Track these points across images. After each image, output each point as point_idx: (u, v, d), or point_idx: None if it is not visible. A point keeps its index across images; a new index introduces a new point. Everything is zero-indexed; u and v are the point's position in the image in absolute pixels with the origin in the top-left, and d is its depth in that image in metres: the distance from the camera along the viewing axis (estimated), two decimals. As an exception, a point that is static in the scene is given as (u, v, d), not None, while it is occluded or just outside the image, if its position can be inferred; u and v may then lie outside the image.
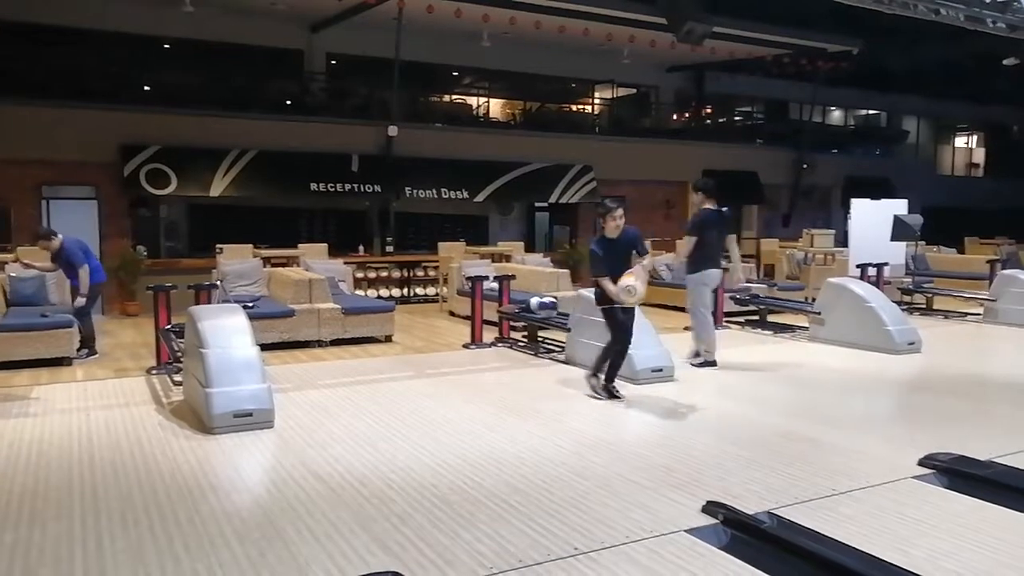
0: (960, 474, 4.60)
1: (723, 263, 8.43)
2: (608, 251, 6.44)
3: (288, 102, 16.35)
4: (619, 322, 6.48)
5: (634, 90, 21.97)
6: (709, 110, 23.41)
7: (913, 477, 4.59)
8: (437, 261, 13.98)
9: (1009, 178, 28.47)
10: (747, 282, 12.27)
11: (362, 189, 15.21)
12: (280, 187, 14.66)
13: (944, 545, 3.70)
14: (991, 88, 24.81)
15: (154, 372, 7.68)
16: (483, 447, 5.25)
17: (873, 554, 3.55)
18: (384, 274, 14.21)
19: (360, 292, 12.68)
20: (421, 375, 7.80)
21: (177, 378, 6.96)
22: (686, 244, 7.99)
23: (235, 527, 3.92)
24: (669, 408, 6.51)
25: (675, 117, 22.60)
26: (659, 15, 13.27)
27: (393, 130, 15.21)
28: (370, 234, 15.94)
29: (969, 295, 11.94)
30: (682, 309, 11.21)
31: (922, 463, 4.75)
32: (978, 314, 11.22)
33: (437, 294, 13.80)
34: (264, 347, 6.74)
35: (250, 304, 8.50)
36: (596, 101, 21.40)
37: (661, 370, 7.23)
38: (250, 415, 5.59)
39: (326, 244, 13.60)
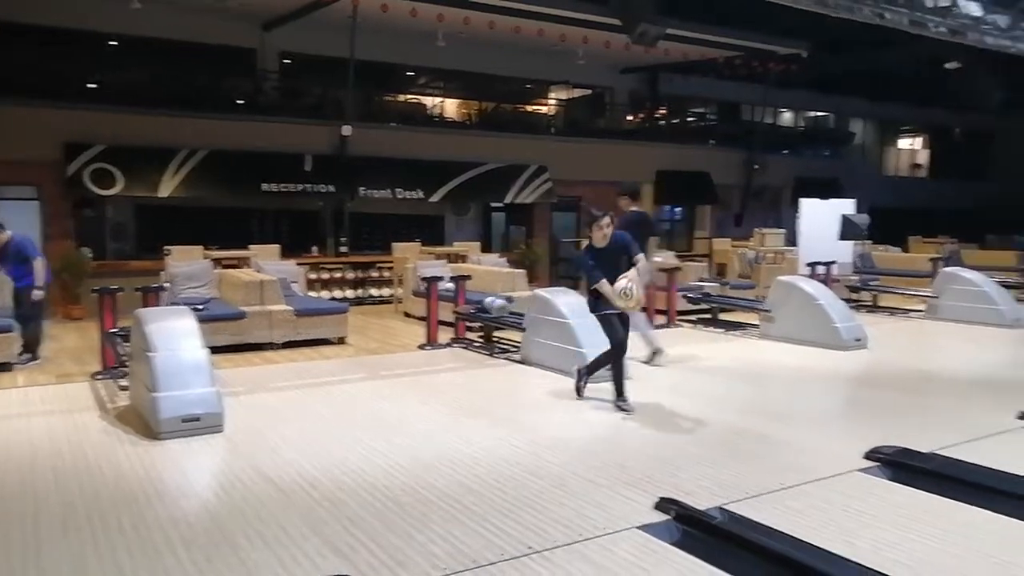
0: (903, 466, 4.71)
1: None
2: (599, 259, 6.25)
3: (240, 101, 16.09)
4: (615, 329, 6.27)
5: (589, 91, 22.11)
6: (663, 111, 23.66)
7: (859, 470, 4.69)
8: (392, 262, 13.89)
9: (951, 179, 29.33)
10: (699, 281, 12.46)
11: (316, 189, 15.04)
12: (231, 187, 14.41)
13: (889, 536, 3.78)
14: (934, 91, 25.52)
15: (99, 377, 7.48)
16: (437, 448, 5.23)
17: (821, 546, 3.61)
18: (338, 275, 14.07)
19: (313, 293, 12.54)
20: (375, 377, 7.73)
21: (123, 383, 6.79)
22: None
23: (182, 533, 3.83)
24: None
25: (629, 118, 22.79)
26: (613, 16, 13.38)
27: (347, 130, 15.08)
28: (324, 235, 15.77)
29: (913, 292, 12.24)
30: (641, 309, 11.33)
31: (867, 456, 4.85)
32: (921, 311, 11.52)
33: (392, 295, 13.71)
34: (214, 350, 6.61)
35: (199, 306, 8.32)
36: (551, 102, 21.49)
37: (615, 369, 7.26)
38: (198, 419, 5.48)
39: (278, 245, 13.41)
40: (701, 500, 4.14)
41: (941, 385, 7.40)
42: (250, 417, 5.99)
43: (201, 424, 5.48)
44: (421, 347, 9.26)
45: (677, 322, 10.83)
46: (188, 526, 3.94)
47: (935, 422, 5.80)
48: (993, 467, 4.70)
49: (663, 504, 4.06)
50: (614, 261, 6.24)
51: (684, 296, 11.13)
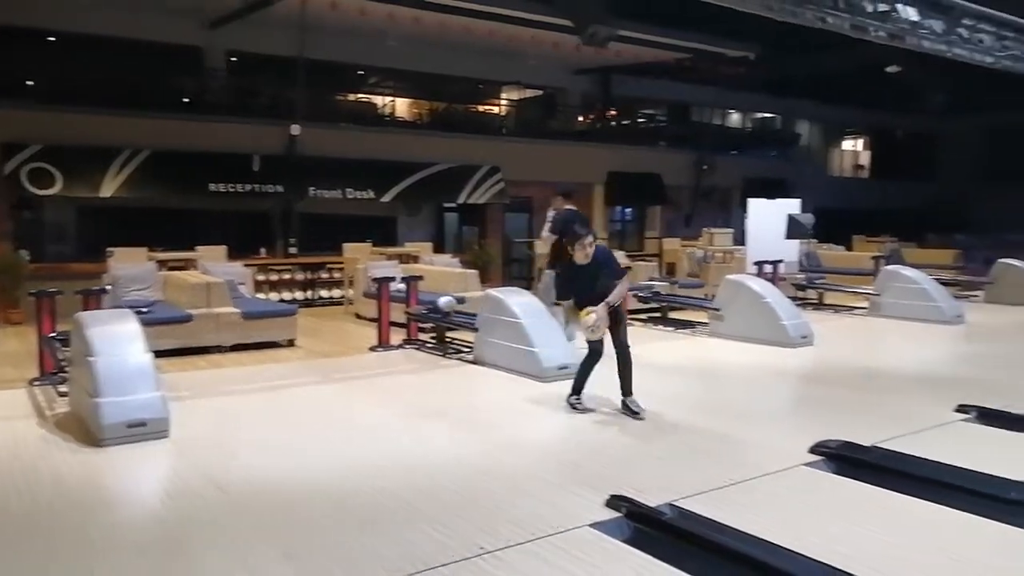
0: (847, 459, 4.83)
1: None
2: (578, 276, 5.93)
3: (186, 100, 15.77)
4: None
5: (541, 92, 22.20)
6: (614, 113, 23.87)
7: (804, 464, 4.79)
8: (342, 263, 13.75)
9: (892, 179, 30.17)
10: (650, 280, 12.60)
11: (264, 190, 14.83)
12: (177, 188, 14.12)
13: (835, 528, 3.87)
14: (876, 94, 26.21)
15: (37, 383, 7.24)
16: (390, 450, 5.19)
17: (769, 540, 3.68)
18: (287, 277, 13.87)
19: (262, 296, 12.35)
20: (326, 379, 7.64)
21: (63, 389, 6.59)
22: (547, 241, 8.62)
23: (126, 542, 3.74)
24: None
25: (581, 119, 22.94)
26: (564, 18, 13.45)
27: (296, 129, 14.90)
28: (273, 236, 15.54)
29: (857, 290, 12.54)
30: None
31: (813, 450, 4.96)
32: (865, 308, 11.81)
33: (342, 297, 13.57)
34: (160, 354, 6.46)
35: (143, 309, 8.14)
36: (503, 102, 21.52)
37: (567, 367, 7.28)
38: (143, 425, 5.34)
39: (225, 247, 13.17)
40: (652, 497, 4.18)
41: (883, 380, 7.59)
42: (197, 422, 5.86)
43: (147, 430, 5.35)
44: (372, 349, 9.18)
45: (629, 321, 10.90)
46: (133, 535, 3.85)
47: (877, 416, 5.94)
48: (932, 459, 4.85)
49: (614, 501, 4.09)
50: (593, 278, 5.91)
51: (634, 295, 11.22)
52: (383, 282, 9.52)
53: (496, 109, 21.59)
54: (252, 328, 9.40)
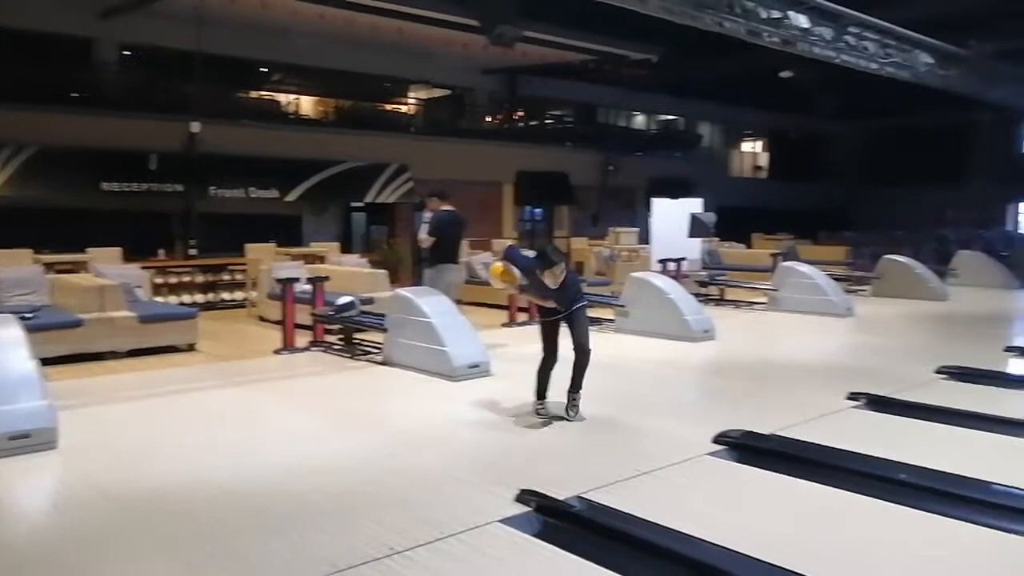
0: (749, 448, 5.00)
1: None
2: (538, 285, 5.76)
3: (75, 94, 14.99)
4: (547, 338, 5.94)
5: (449, 91, 22.16)
6: (522, 113, 24.05)
7: (708, 454, 4.93)
8: (245, 264, 13.34)
9: (788, 180, 31.50)
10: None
11: (162, 189, 14.26)
12: (66, 186, 13.43)
13: (739, 514, 4.00)
14: (772, 98, 27.28)
15: (-90, 394, 6.73)
16: (296, 453, 5.06)
17: (676, 528, 3.76)
18: (187, 279, 13.33)
19: (160, 299, 11.85)
20: (229, 384, 7.38)
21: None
22: (426, 243, 8.56)
23: (6, 563, 3.51)
24: (487, 403, 6.58)
25: (489, 119, 23.02)
26: (471, 17, 13.45)
27: (196, 126, 14.38)
28: (171, 237, 14.95)
29: (756, 286, 13.01)
30: (499, 306, 11.46)
31: (716, 440, 5.11)
32: (763, 303, 12.27)
33: (245, 299, 13.16)
34: (49, 361, 6.13)
35: (28, 315, 7.68)
36: (412, 101, 21.36)
37: (478, 366, 7.30)
38: (28, 436, 5.02)
39: (120, 248, 12.57)
40: (561, 491, 4.22)
41: (781, 371, 7.90)
42: (89, 431, 5.57)
43: (32, 441, 5.03)
44: (277, 352, 8.94)
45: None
46: (14, 556, 3.61)
47: (776, 405, 6.18)
48: (827, 444, 5.08)
49: (523, 496, 4.10)
50: (548, 296, 5.78)
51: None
52: (288, 283, 9.28)
53: (404, 108, 21.42)
54: (150, 332, 9.01)
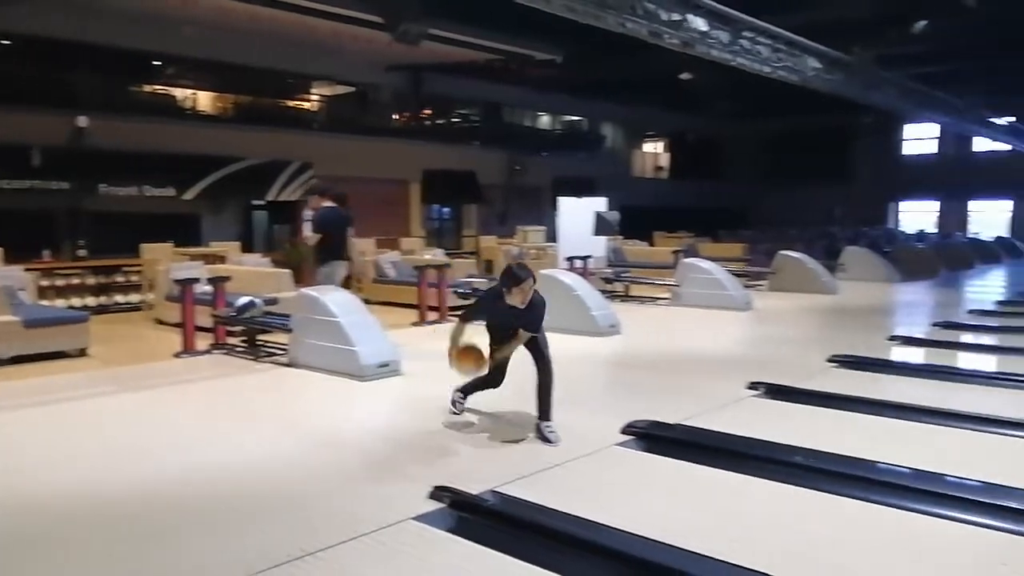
0: (655, 438, 5.14)
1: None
2: (501, 312, 5.26)
3: (-55, 85, 14.03)
4: (500, 364, 5.53)
5: (353, 88, 21.83)
6: (428, 111, 23.93)
7: (617, 444, 5.04)
8: (140, 265, 12.78)
9: (688, 180, 32.51)
10: (469, 277, 12.75)
11: (47, 186, 13.48)
12: (-62, 184, 12.53)
13: (647, 501, 4.10)
14: (673, 99, 28.11)
15: None
16: (199, 457, 4.87)
17: (588, 517, 3.83)
18: (76, 281, 12.66)
19: (46, 302, 11.23)
20: (124, 388, 7.05)
21: None
22: (312, 240, 8.63)
23: None
24: (398, 401, 6.55)
25: (395, 116, 22.81)
26: (376, 14, 13.30)
27: (83, 120, 13.67)
28: (58, 237, 14.17)
29: (659, 282, 13.36)
30: (410, 305, 11.38)
31: (624, 431, 5.22)
32: (667, 298, 12.61)
33: (142, 301, 12.61)
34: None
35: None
36: (314, 97, 20.94)
37: (388, 365, 7.22)
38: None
39: (0, 249, 11.83)
40: (474, 486, 4.22)
41: (684, 363, 8.14)
42: (-32, 443, 5.22)
43: (-97, 455, 4.68)
44: (177, 355, 8.59)
45: (449, 317, 10.99)
46: None
47: (680, 396, 6.36)
48: (729, 432, 5.27)
49: (437, 493, 4.08)
50: (516, 320, 5.28)
51: (454, 292, 11.32)
52: (187, 284, 8.95)
53: (307, 104, 20.97)
54: (35, 337, 8.52)
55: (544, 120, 28.78)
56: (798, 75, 13.40)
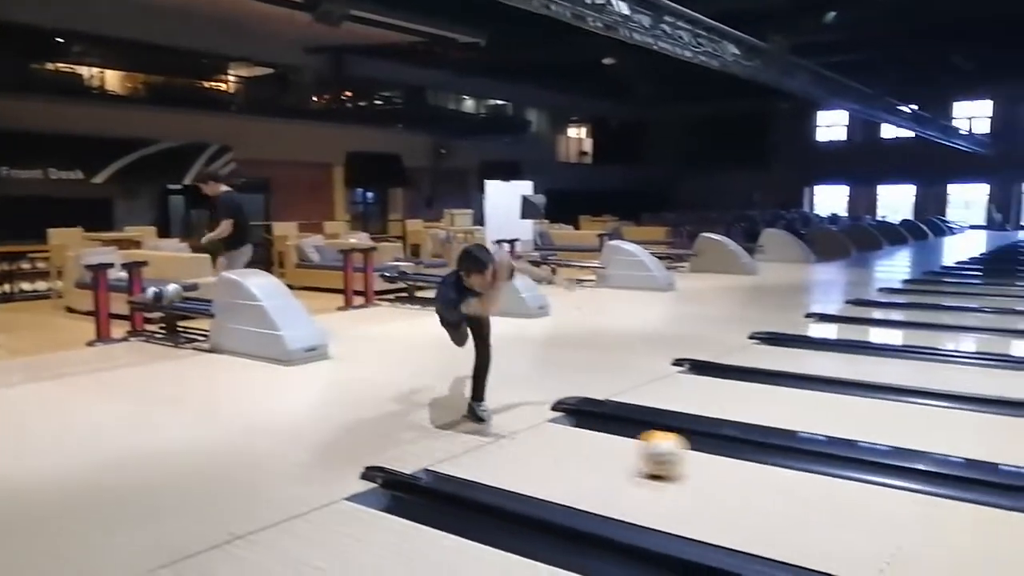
0: (585, 413, 5.21)
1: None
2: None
3: None
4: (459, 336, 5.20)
5: (272, 69, 21.27)
6: (350, 93, 23.51)
7: (548, 421, 5.09)
8: (47, 251, 12.20)
9: (612, 164, 32.92)
10: (395, 261, 12.65)
11: (-58, 169, 12.72)
12: None
13: (578, 475, 4.16)
14: (596, 85, 28.37)
15: None
16: (125, 445, 4.70)
17: (521, 492, 3.86)
18: (-23, 269, 12.03)
19: (-54, 291, 10.62)
20: (36, 378, 6.72)
21: None
22: (226, 226, 8.58)
23: None
24: (326, 385, 6.46)
25: (316, 99, 22.33)
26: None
27: (-20, 99, 12.94)
28: (-47, 222, 13.41)
29: (585, 265, 13.52)
30: (336, 290, 11.20)
31: (555, 408, 5.28)
32: (593, 280, 12.78)
33: (50, 289, 12.05)
34: None
35: None
36: (232, 78, 20.31)
37: (315, 349, 7.11)
38: None
39: None
40: (408, 465, 4.20)
41: (612, 342, 8.27)
42: None
43: None
44: (91, 344, 8.25)
45: (375, 301, 10.88)
46: None
47: (608, 373, 6.46)
48: (656, 406, 5.38)
49: (369, 473, 4.05)
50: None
51: (381, 276, 11.20)
52: (100, 270, 8.59)
53: (224, 85, 20.33)
54: (-67, 327, 8.05)
55: (469, 103, 28.65)
56: (718, 60, 13.67)
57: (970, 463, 4.29)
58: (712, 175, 33.85)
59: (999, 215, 32.84)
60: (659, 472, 4.05)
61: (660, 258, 13.34)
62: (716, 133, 34.32)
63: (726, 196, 30.75)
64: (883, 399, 5.69)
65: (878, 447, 4.54)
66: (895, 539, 3.42)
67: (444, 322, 5.16)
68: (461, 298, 4.83)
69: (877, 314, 10.22)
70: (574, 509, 3.67)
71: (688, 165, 35.11)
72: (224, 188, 8.79)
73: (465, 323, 5.07)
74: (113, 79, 17.97)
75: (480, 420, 5.02)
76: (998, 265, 17.63)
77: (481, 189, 17.03)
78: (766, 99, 24.27)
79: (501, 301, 4.94)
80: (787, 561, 3.16)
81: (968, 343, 8.55)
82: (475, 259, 4.81)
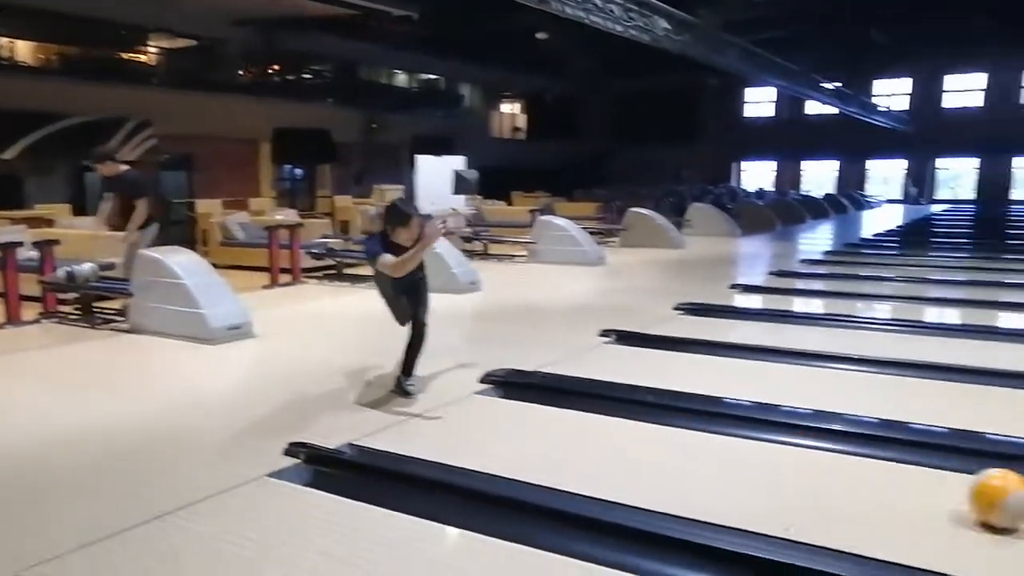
0: (514, 384, 5.23)
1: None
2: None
3: None
4: (405, 308, 5.12)
5: (196, 41, 20.53)
6: (278, 67, 22.91)
7: (476, 393, 5.10)
8: (-47, 230, 11.59)
9: (544, 140, 32.95)
10: (323, 238, 12.41)
11: None
12: None
13: (505, 444, 4.19)
14: (529, 60, 28.29)
15: None
16: (37, 427, 4.51)
17: (447, 462, 3.85)
18: None
19: None
20: (-61, 362, 6.42)
21: None
22: (142, 207, 8.44)
23: None
24: (250, 363, 6.33)
25: (243, 73, 21.69)
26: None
27: None
28: None
29: (517, 240, 13.53)
30: (261, 268, 10.94)
31: (483, 380, 5.29)
32: (524, 255, 12.81)
33: (-43, 270, 11.44)
34: None
35: None
36: (152, 50, 19.54)
37: (239, 327, 6.94)
38: None
39: None
40: (333, 440, 4.15)
41: (541, 315, 8.33)
42: None
43: None
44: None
45: (303, 279, 10.69)
46: None
47: (538, 345, 6.50)
48: (583, 376, 5.44)
49: (292, 449, 3.99)
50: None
51: (308, 253, 11.00)
52: (7, 248, 8.19)
53: (144, 58, 19.55)
54: None
55: (401, 78, 28.25)
56: (649, 35, 13.78)
57: (883, 423, 4.47)
58: (643, 151, 34.22)
59: (915, 189, 34.15)
60: (1009, 525, 3.11)
61: (591, 233, 13.45)
62: (647, 109, 34.69)
63: (656, 172, 31.14)
64: (804, 365, 5.88)
65: (799, 410, 4.69)
66: (811, 495, 3.54)
67: (383, 295, 5.11)
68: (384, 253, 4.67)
69: (799, 284, 10.53)
70: (499, 476, 3.69)
71: (620, 141, 35.42)
72: (123, 167, 8.53)
73: (404, 297, 5.02)
74: (25, 49, 17.09)
75: (407, 394, 4.99)
76: (913, 237, 18.39)
77: (413, 164, 16.83)
78: (696, 75, 24.62)
79: (415, 264, 4.77)
80: (712, 521, 3.23)
81: (883, 310, 8.89)
82: (400, 212, 4.73)
